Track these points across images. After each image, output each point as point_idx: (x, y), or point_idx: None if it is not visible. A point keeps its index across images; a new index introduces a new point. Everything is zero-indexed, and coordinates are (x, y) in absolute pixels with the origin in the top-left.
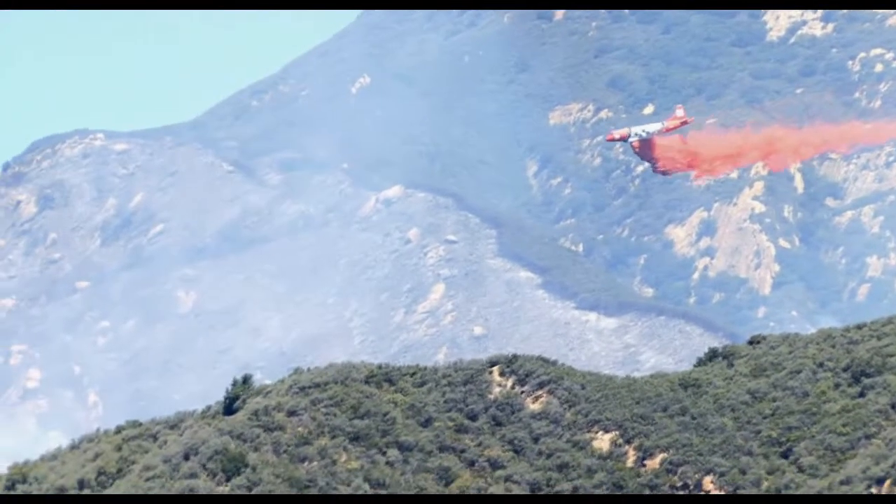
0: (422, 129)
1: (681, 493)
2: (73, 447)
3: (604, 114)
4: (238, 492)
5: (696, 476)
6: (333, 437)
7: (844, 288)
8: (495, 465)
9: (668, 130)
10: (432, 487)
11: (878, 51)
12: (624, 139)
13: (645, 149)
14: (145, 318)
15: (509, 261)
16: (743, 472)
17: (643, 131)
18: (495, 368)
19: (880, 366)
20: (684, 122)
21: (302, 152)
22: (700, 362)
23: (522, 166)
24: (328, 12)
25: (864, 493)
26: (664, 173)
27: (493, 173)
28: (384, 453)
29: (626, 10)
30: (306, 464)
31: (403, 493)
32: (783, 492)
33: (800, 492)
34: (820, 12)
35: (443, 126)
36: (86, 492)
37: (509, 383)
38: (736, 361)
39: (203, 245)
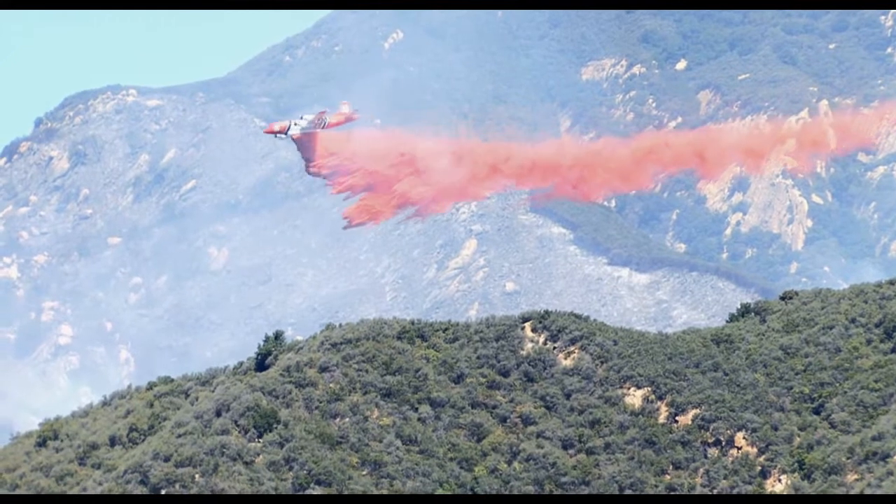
0: (454, 84)
1: (713, 448)
2: (105, 403)
3: (636, 69)
4: (270, 448)
5: (729, 432)
6: (365, 394)
7: (877, 243)
8: (527, 421)
9: (332, 126)
10: (464, 444)
11: None
12: (283, 132)
13: (305, 143)
14: (177, 275)
15: (541, 216)
16: (775, 428)
17: (296, 124)
18: (527, 324)
19: None
20: (349, 119)
21: (335, 108)
22: (732, 318)
23: (555, 121)
24: None
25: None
26: (317, 175)
27: (525, 128)
28: (416, 409)
29: None
30: (338, 420)
31: (436, 448)
32: (815, 447)
33: (831, 447)
34: None
35: (475, 81)
36: (117, 448)
37: (541, 339)
38: (768, 317)
39: (235, 201)
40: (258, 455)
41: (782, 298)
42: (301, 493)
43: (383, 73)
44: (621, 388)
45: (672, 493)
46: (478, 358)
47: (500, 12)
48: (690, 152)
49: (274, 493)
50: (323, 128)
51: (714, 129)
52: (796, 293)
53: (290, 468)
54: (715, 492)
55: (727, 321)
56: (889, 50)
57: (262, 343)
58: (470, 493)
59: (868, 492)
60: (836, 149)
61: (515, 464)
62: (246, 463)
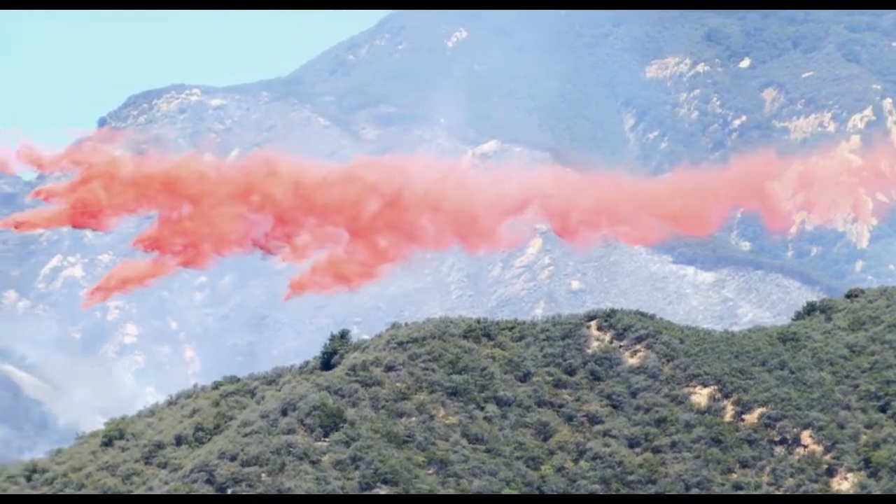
0: (518, 83)
1: (779, 446)
2: (171, 403)
3: (700, 67)
4: (336, 447)
5: (795, 430)
6: (431, 392)
7: None
8: (593, 419)
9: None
10: (531, 442)
11: None
12: None
13: None
14: (242, 273)
15: None
16: (841, 427)
17: None
18: (593, 323)
19: None
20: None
21: (398, 107)
22: (798, 316)
23: (619, 120)
24: None
25: None
26: None
27: (589, 127)
28: (482, 408)
29: None
30: (404, 419)
31: (502, 447)
32: (881, 445)
33: None
34: None
35: (539, 80)
36: (183, 447)
37: (607, 338)
38: (834, 315)
39: None
40: (324, 454)
41: (848, 296)
42: (367, 492)
43: (448, 71)
44: (687, 386)
45: (737, 493)
46: (544, 356)
47: (563, 10)
48: (758, 151)
49: (341, 492)
50: None
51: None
52: (862, 291)
53: (357, 467)
54: (781, 490)
55: (793, 319)
56: None
57: (327, 342)
58: (537, 491)
59: None
60: None
61: (582, 462)
62: (312, 462)
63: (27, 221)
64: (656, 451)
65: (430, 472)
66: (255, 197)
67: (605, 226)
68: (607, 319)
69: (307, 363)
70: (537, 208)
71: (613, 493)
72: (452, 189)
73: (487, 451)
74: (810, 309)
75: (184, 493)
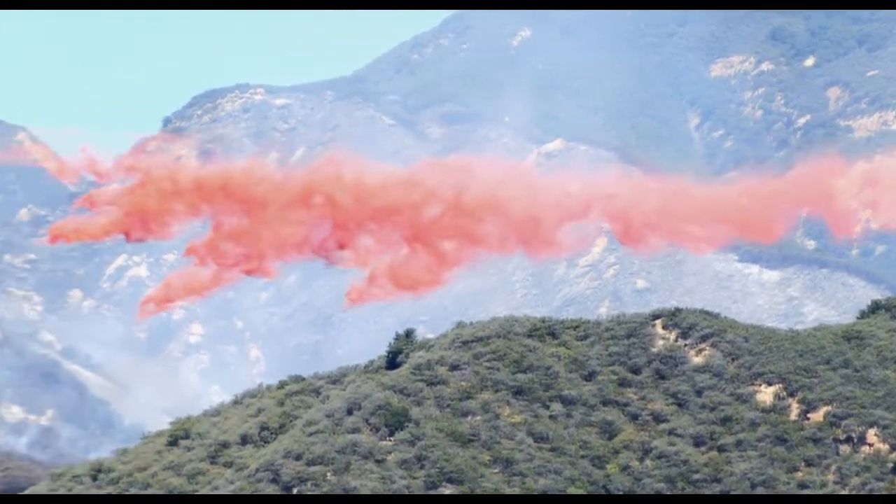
0: (583, 82)
1: (845, 445)
2: (236, 402)
3: (765, 66)
4: (401, 446)
5: (860, 429)
6: (496, 391)
7: None
8: (658, 418)
9: None
10: (595, 441)
11: None
12: None
13: None
14: (307, 273)
15: None
16: None
17: None
18: (658, 321)
19: None
20: None
21: (463, 106)
22: (863, 315)
23: (684, 119)
24: None
25: None
26: None
27: (654, 126)
28: (547, 407)
29: None
30: (469, 418)
31: (567, 445)
32: None
33: None
34: None
35: (604, 79)
36: (248, 446)
37: (672, 336)
38: None
39: None
40: (389, 453)
41: None
42: (432, 491)
43: (513, 70)
44: (752, 385)
45: (802, 493)
46: (608, 355)
47: (629, 10)
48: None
49: (406, 491)
50: None
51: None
52: None
53: (422, 466)
54: (847, 489)
55: (858, 318)
56: None
57: (392, 341)
58: (602, 490)
59: None
60: None
61: (647, 461)
62: (377, 461)
63: (69, 233)
64: (721, 449)
65: (495, 471)
66: (315, 202)
67: (667, 231)
68: (672, 318)
69: (372, 362)
70: (600, 211)
71: (679, 492)
72: (516, 192)
73: (552, 449)
74: (875, 307)
75: (249, 492)
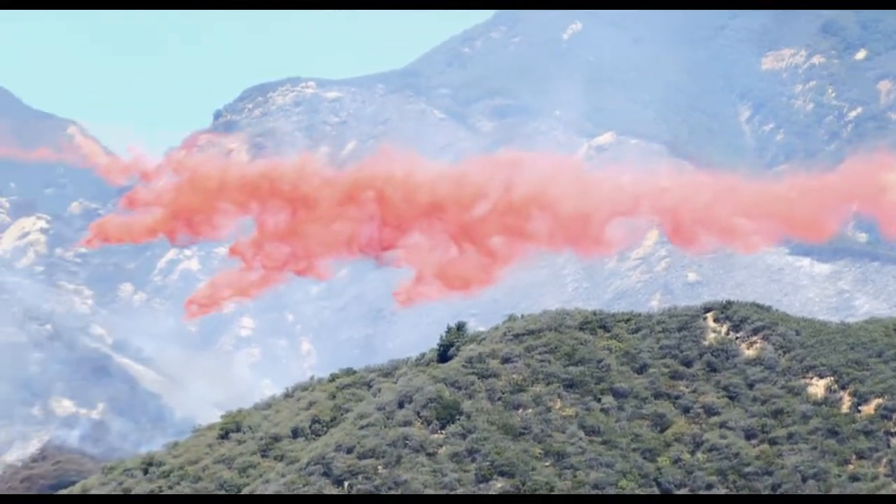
0: (634, 75)
1: None
2: (287, 395)
3: (816, 59)
4: (453, 439)
5: None
6: (548, 384)
7: None
8: (710, 411)
9: None
10: (647, 434)
11: None
12: None
13: None
14: (358, 267)
15: None
16: None
17: None
18: (710, 314)
19: None
20: None
21: (514, 99)
22: None
23: (735, 112)
24: None
25: None
26: None
27: (705, 119)
28: (599, 400)
29: None
30: (521, 411)
31: (618, 438)
32: None
33: None
34: None
35: (655, 72)
36: (300, 440)
37: (724, 329)
38: None
39: None
40: (441, 446)
41: None
42: (483, 484)
43: (564, 64)
44: (804, 378)
45: (853, 486)
46: (660, 348)
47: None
48: (874, 143)
49: (457, 485)
50: None
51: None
52: None
53: (473, 459)
54: None
55: None
56: None
57: (444, 334)
58: (653, 483)
59: None
60: None
61: (699, 454)
62: (429, 454)
63: (111, 235)
64: (773, 442)
65: (546, 464)
66: (363, 200)
67: (717, 229)
68: (724, 311)
69: (424, 355)
70: (650, 207)
71: (730, 484)
72: (566, 188)
73: (604, 442)
74: None
75: (300, 485)
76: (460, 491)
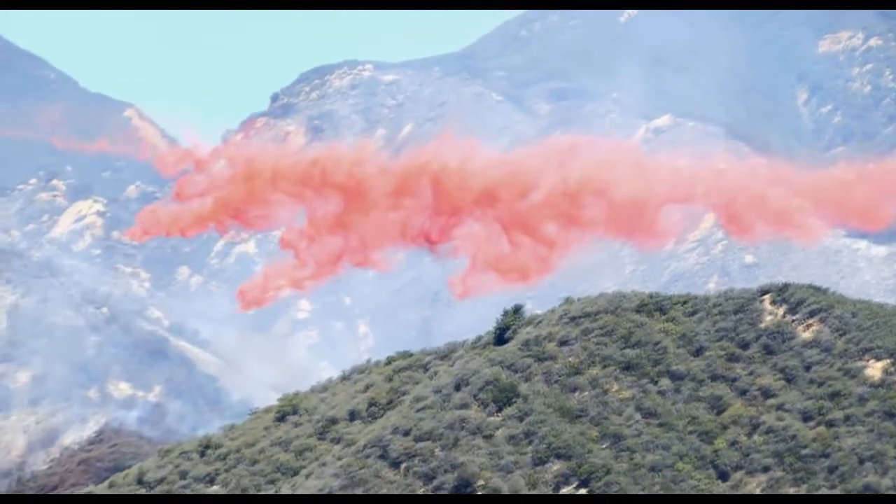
0: (691, 58)
1: None
2: (344, 378)
3: (873, 41)
4: (510, 422)
5: None
6: (605, 367)
7: None
8: (767, 393)
9: None
10: (704, 416)
11: None
12: None
13: None
14: (415, 249)
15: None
16: None
17: None
18: (766, 297)
19: None
20: None
21: (571, 82)
22: None
23: (792, 94)
24: None
25: None
26: None
27: (762, 101)
28: (656, 382)
29: None
30: (577, 394)
31: (675, 421)
32: None
33: None
34: None
35: (712, 54)
36: (357, 422)
37: (781, 312)
38: None
39: None
40: (498, 429)
41: None
42: (540, 467)
43: (621, 47)
44: (861, 360)
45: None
46: (717, 331)
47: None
48: None
49: (514, 467)
50: None
51: None
52: None
53: (530, 442)
54: None
55: None
56: None
57: (500, 317)
58: (710, 465)
59: None
60: None
61: (755, 436)
62: (485, 437)
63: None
64: (830, 424)
65: (603, 446)
66: (418, 189)
67: (773, 218)
68: (780, 293)
69: (480, 338)
70: (706, 195)
71: (787, 466)
72: (623, 173)
73: (660, 425)
74: None
75: (357, 467)
76: (517, 474)
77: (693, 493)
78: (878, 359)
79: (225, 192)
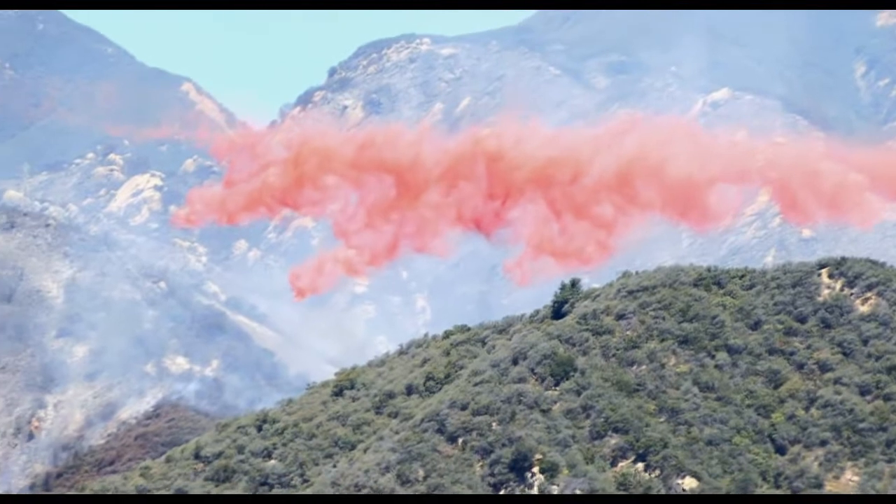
0: (748, 31)
1: None
2: (402, 352)
3: None
4: (567, 395)
5: None
6: (662, 341)
7: None
8: (824, 367)
9: None
10: (761, 390)
11: None
12: None
13: None
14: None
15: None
16: None
17: None
18: (824, 271)
19: None
20: None
21: (629, 56)
22: None
23: (850, 68)
24: None
25: None
26: None
27: (820, 75)
28: (713, 356)
29: None
30: (635, 367)
31: (732, 395)
32: None
33: None
34: None
35: (769, 28)
36: (414, 396)
37: (838, 285)
38: None
39: None
40: (555, 403)
41: None
42: (598, 441)
43: (679, 20)
44: None
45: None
46: (774, 304)
47: None
48: None
49: (571, 441)
50: None
51: None
52: None
53: (587, 416)
54: None
55: None
56: None
57: (558, 291)
58: (767, 440)
59: None
60: None
61: (813, 410)
62: (543, 411)
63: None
64: (887, 398)
65: (660, 420)
66: (473, 173)
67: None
68: (838, 267)
69: (538, 312)
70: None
71: (844, 440)
72: (680, 152)
73: (718, 399)
74: None
75: (414, 441)
76: (574, 448)
77: (751, 466)
78: None
79: (275, 177)
